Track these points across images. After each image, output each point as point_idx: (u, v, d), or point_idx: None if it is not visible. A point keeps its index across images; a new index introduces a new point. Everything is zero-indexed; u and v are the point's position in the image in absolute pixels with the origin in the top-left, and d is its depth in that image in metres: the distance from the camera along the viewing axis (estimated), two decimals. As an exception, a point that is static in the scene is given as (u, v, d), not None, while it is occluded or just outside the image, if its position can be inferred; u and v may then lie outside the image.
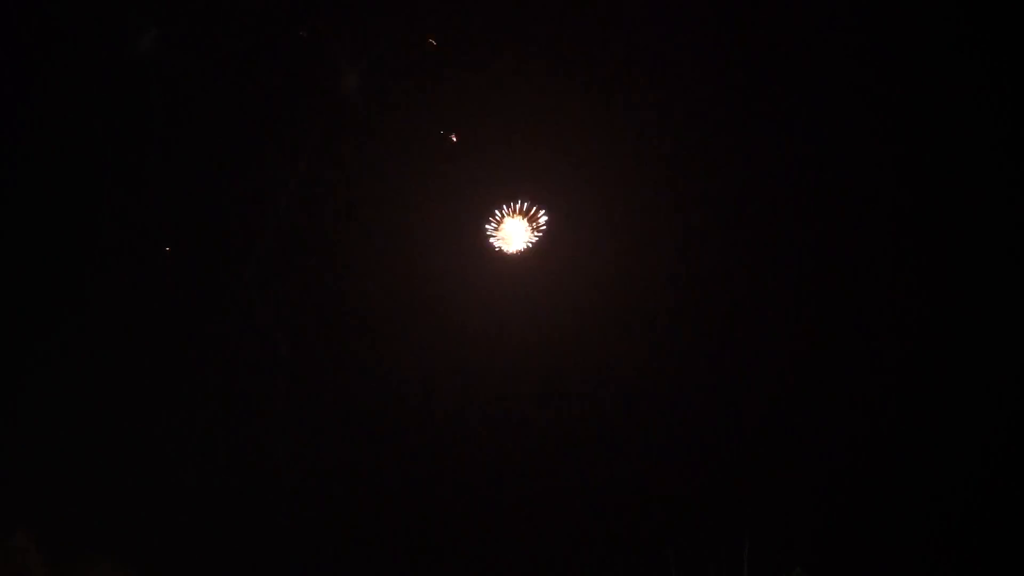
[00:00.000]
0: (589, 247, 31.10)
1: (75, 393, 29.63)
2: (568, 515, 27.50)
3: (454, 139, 31.61)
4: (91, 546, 28.09)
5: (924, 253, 26.99)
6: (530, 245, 32.84)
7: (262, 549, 28.71)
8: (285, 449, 30.00)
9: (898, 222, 26.80)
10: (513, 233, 33.16)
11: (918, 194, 26.64)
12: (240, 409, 30.46)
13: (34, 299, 30.07)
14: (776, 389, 27.24)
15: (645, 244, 30.40)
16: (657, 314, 29.46)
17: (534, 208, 32.82)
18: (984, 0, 25.91)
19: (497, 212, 33.85)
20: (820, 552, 25.32)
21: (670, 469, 27.20)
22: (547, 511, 27.55)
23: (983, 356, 25.93)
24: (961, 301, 26.27)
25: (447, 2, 29.68)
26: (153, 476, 28.87)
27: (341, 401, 31.05)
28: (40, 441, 28.69)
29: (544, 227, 32.53)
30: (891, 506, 26.00)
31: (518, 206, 32.60)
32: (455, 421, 29.56)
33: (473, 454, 28.57)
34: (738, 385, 27.63)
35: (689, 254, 28.77)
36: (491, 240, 33.28)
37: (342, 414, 31.02)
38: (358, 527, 29.41)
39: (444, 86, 30.80)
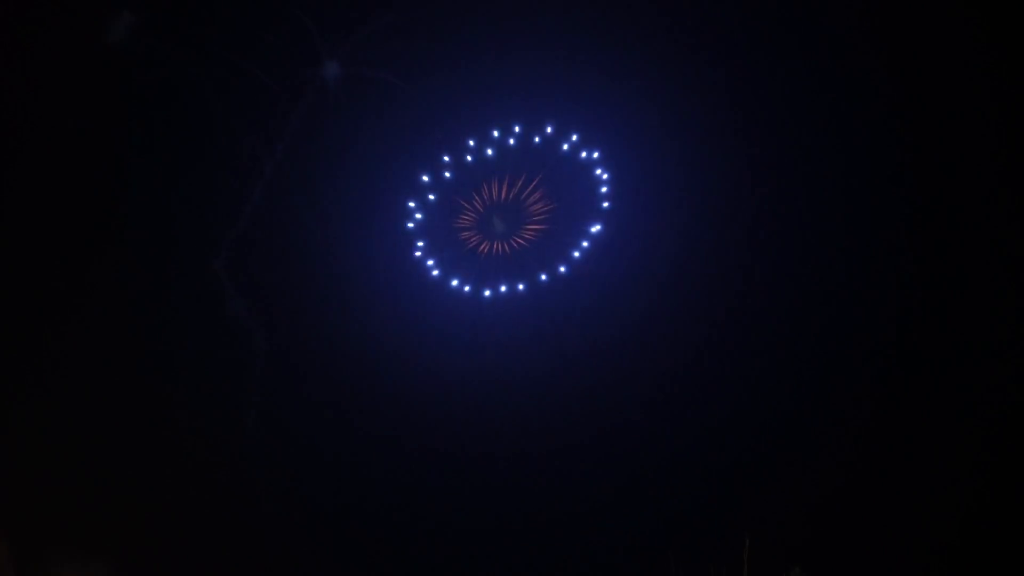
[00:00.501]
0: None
1: (44, 393, 29.14)
2: (569, 516, 27.35)
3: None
4: (58, 543, 27.68)
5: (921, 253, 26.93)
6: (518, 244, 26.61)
7: (231, 547, 28.27)
8: (256, 444, 29.36)
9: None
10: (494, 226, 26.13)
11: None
12: (208, 408, 29.84)
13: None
14: (777, 390, 27.17)
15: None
16: (658, 313, 29.15)
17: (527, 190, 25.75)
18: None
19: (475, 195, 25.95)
20: (819, 552, 25.25)
21: (670, 470, 27.10)
22: (548, 512, 27.39)
23: (984, 356, 25.91)
24: (964, 302, 26.25)
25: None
26: (122, 474, 28.33)
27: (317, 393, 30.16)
28: (7, 440, 28.18)
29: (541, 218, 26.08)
30: (891, 506, 25.97)
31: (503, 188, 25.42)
32: (451, 420, 29.23)
33: (471, 454, 28.35)
34: (738, 387, 27.51)
35: (699, 252, 27.66)
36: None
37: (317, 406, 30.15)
38: (328, 523, 28.98)
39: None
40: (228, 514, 28.30)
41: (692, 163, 25.66)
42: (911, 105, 25.64)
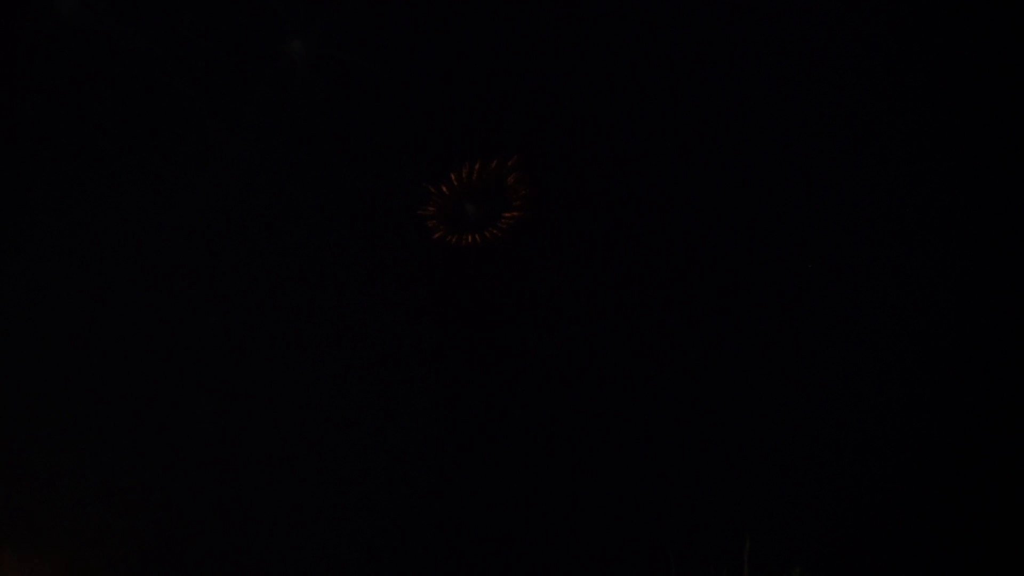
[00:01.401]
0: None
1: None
2: (566, 514, 27.09)
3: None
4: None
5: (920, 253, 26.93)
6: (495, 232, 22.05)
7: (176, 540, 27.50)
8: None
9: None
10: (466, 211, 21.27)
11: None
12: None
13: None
14: (778, 387, 27.05)
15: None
16: (653, 306, 28.92)
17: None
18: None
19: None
20: (821, 552, 25.17)
21: (670, 468, 26.91)
22: (545, 510, 27.12)
23: (985, 355, 25.92)
24: (963, 301, 26.25)
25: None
26: (60, 469, 27.51)
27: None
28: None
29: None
30: (892, 506, 25.95)
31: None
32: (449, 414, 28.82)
33: (465, 451, 28.01)
34: (738, 384, 27.38)
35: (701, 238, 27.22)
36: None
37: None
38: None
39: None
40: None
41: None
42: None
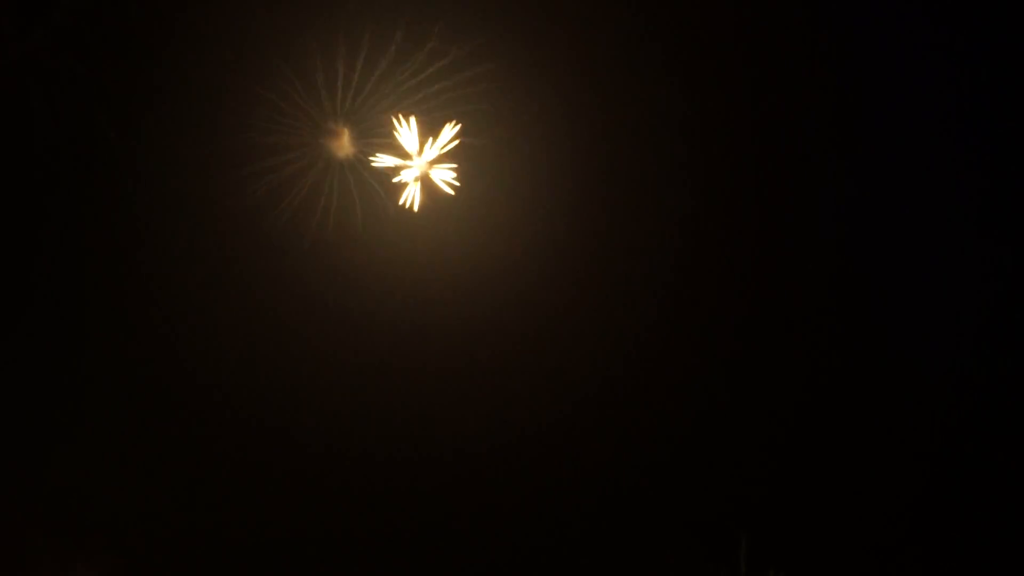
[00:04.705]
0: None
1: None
2: (564, 514, 26.87)
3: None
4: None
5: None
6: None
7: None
8: None
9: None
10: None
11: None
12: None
13: None
14: (776, 387, 27.00)
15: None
16: (642, 303, 28.50)
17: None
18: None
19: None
20: (816, 553, 25.16)
21: (668, 467, 26.77)
22: (542, 510, 26.87)
23: (983, 355, 26.03)
24: (960, 302, 26.34)
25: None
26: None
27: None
28: None
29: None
30: (889, 506, 26.01)
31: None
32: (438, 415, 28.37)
33: (462, 449, 27.67)
34: (736, 382, 27.27)
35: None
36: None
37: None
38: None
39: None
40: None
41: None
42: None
